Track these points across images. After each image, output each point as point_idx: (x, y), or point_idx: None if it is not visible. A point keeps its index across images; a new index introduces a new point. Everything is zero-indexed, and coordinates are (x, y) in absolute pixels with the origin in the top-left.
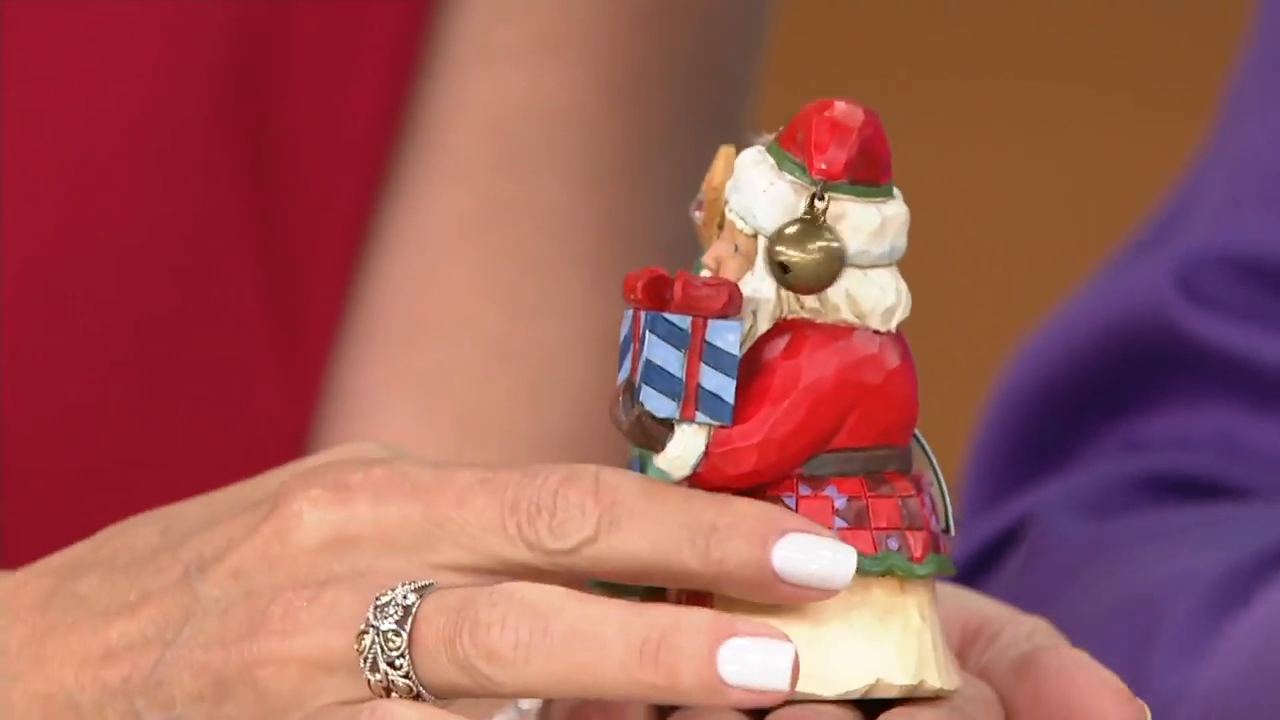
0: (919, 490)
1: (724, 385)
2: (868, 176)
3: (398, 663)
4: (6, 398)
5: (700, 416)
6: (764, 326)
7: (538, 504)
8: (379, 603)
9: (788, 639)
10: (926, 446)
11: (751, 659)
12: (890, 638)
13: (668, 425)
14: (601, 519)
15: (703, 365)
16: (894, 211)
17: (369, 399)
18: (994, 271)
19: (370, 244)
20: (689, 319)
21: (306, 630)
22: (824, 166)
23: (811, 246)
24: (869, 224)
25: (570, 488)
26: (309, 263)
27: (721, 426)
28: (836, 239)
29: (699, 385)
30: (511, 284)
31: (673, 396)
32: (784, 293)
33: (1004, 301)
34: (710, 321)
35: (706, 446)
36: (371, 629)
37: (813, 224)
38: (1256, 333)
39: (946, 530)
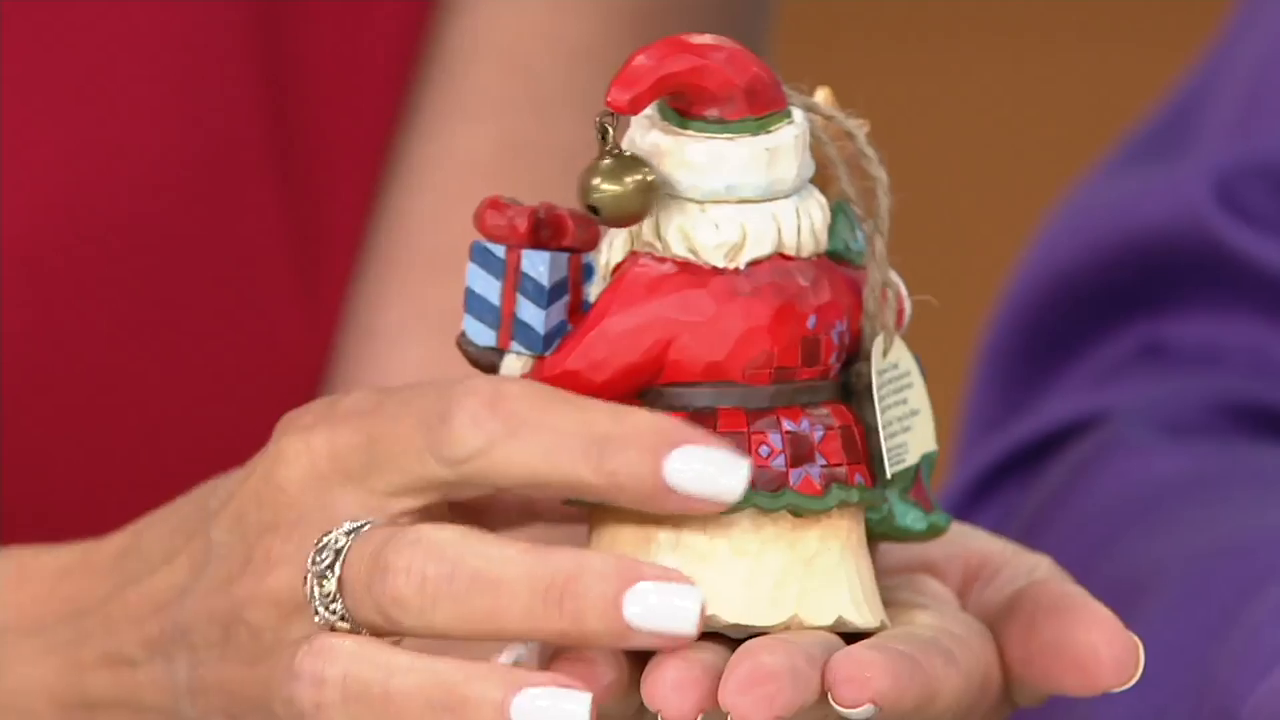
0: (757, 431)
1: (536, 315)
2: (703, 112)
3: (332, 606)
4: (18, 326)
5: (515, 346)
6: (616, 257)
7: (439, 415)
8: (318, 546)
9: (693, 582)
10: (873, 388)
11: (657, 603)
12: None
13: (499, 353)
14: (496, 429)
15: (518, 295)
16: (732, 149)
17: (388, 335)
18: (992, 185)
19: (389, 179)
20: (504, 248)
21: (275, 569)
22: (610, 99)
23: (626, 179)
24: (697, 160)
25: (468, 397)
26: (329, 194)
27: (538, 357)
28: (649, 172)
29: (514, 314)
30: None
31: (492, 325)
32: (646, 225)
33: (999, 219)
34: (524, 251)
35: (524, 377)
36: (310, 574)
37: (620, 157)
38: None
39: (878, 473)
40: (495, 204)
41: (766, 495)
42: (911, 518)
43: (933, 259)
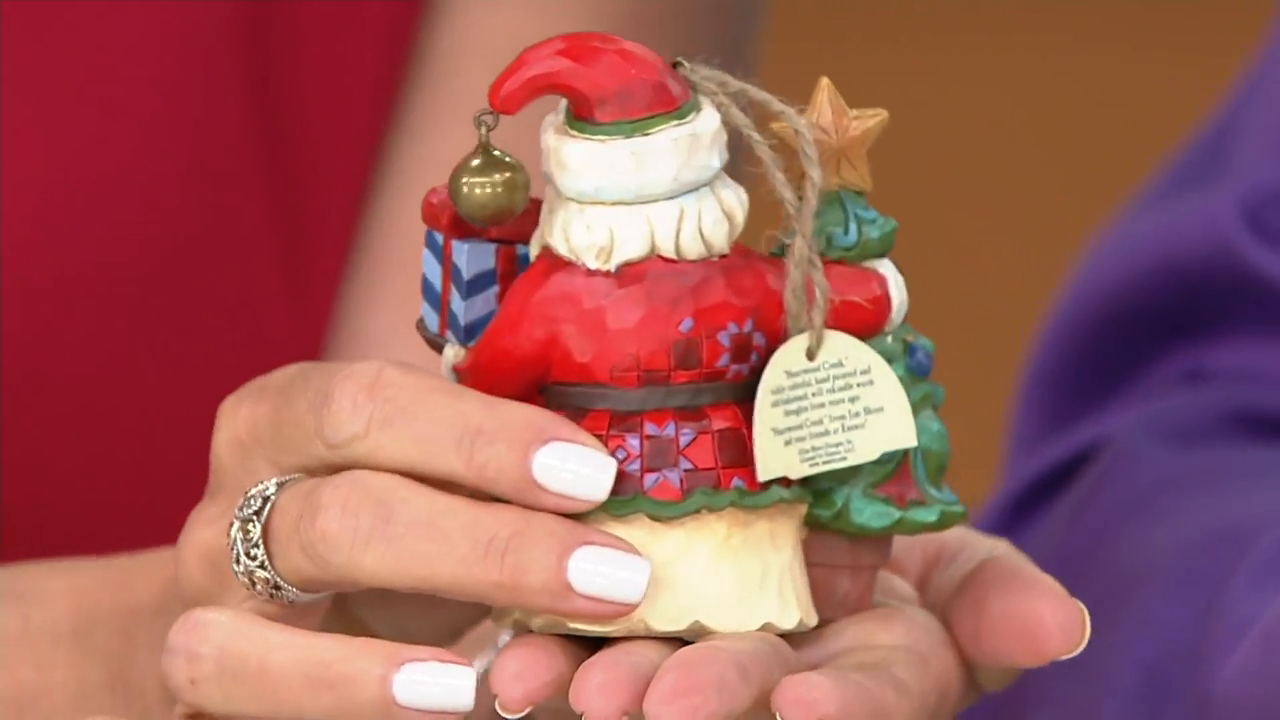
0: (615, 435)
1: (459, 305)
2: (583, 114)
3: (253, 553)
4: (14, 327)
5: (449, 335)
6: (532, 253)
7: (322, 397)
8: (247, 495)
9: (640, 554)
10: (759, 388)
11: (603, 568)
12: None
13: (444, 341)
14: (373, 415)
15: (451, 284)
16: (601, 151)
17: (378, 336)
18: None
19: (379, 181)
20: (443, 236)
21: (199, 527)
22: (489, 96)
23: (495, 177)
24: (571, 161)
25: (347, 381)
26: (318, 195)
27: (465, 347)
28: (518, 171)
29: (448, 303)
30: None
31: (437, 312)
32: (548, 223)
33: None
34: (453, 241)
35: (455, 368)
36: (236, 520)
37: (490, 156)
38: None
39: (745, 475)
40: (434, 191)
41: (616, 501)
42: (870, 514)
43: (957, 259)
